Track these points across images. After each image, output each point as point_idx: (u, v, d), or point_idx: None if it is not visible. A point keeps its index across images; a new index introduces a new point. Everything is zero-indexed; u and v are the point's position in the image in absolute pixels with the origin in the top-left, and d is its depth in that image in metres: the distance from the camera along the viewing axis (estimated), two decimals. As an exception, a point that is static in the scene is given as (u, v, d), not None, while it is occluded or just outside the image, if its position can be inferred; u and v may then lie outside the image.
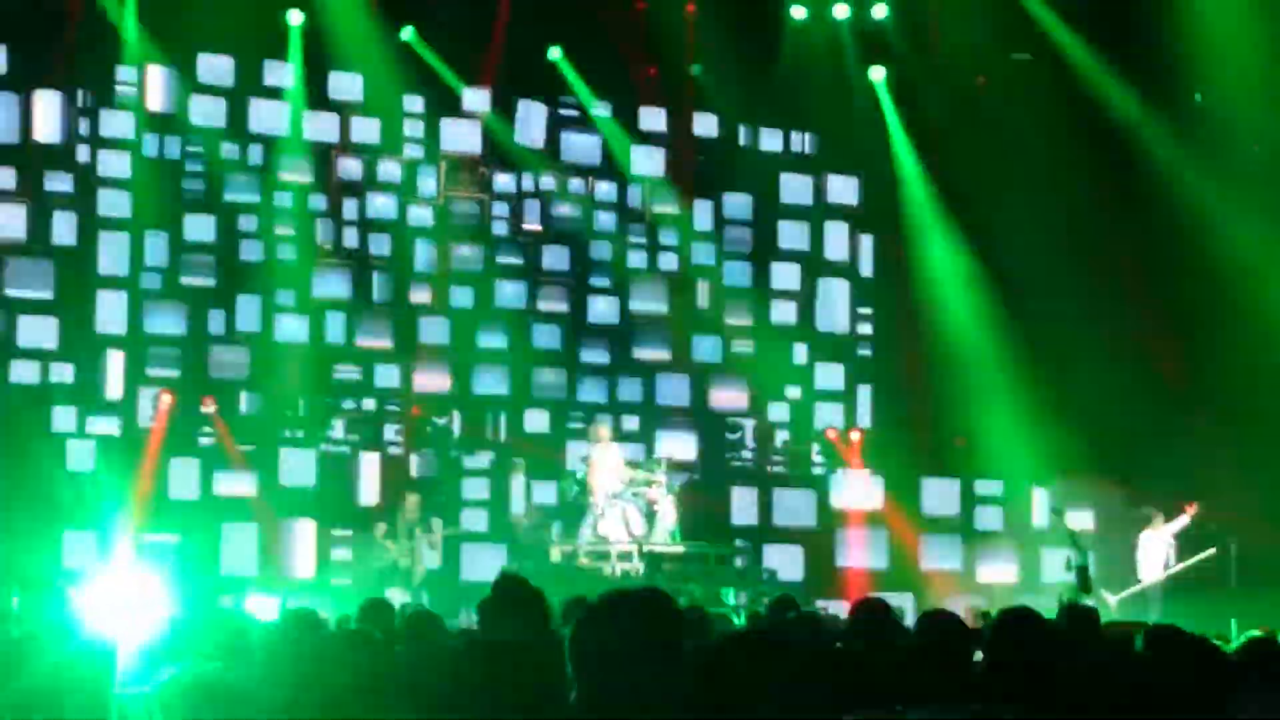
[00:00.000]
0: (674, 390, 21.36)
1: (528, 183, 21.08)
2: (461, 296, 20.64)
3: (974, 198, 21.31)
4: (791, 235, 22.09)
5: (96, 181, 19.20)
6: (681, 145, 21.63)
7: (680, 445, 20.70)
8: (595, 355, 21.15)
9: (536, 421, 20.72)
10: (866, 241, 22.30)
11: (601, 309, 21.26)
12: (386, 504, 18.65)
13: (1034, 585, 20.39)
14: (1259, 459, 18.99)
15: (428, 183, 20.70)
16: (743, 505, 21.14)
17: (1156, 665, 5.00)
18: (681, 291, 21.54)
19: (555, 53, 20.82)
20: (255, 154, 19.89)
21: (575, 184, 21.30)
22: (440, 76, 20.38)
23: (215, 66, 19.66)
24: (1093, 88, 20.69)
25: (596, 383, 21.10)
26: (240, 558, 18.89)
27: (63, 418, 18.77)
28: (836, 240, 22.29)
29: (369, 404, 20.16)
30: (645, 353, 21.33)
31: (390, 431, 20.16)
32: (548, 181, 21.15)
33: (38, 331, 18.77)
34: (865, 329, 22.27)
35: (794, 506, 21.31)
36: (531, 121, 21.04)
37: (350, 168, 20.33)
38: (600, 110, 21.23)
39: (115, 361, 19.12)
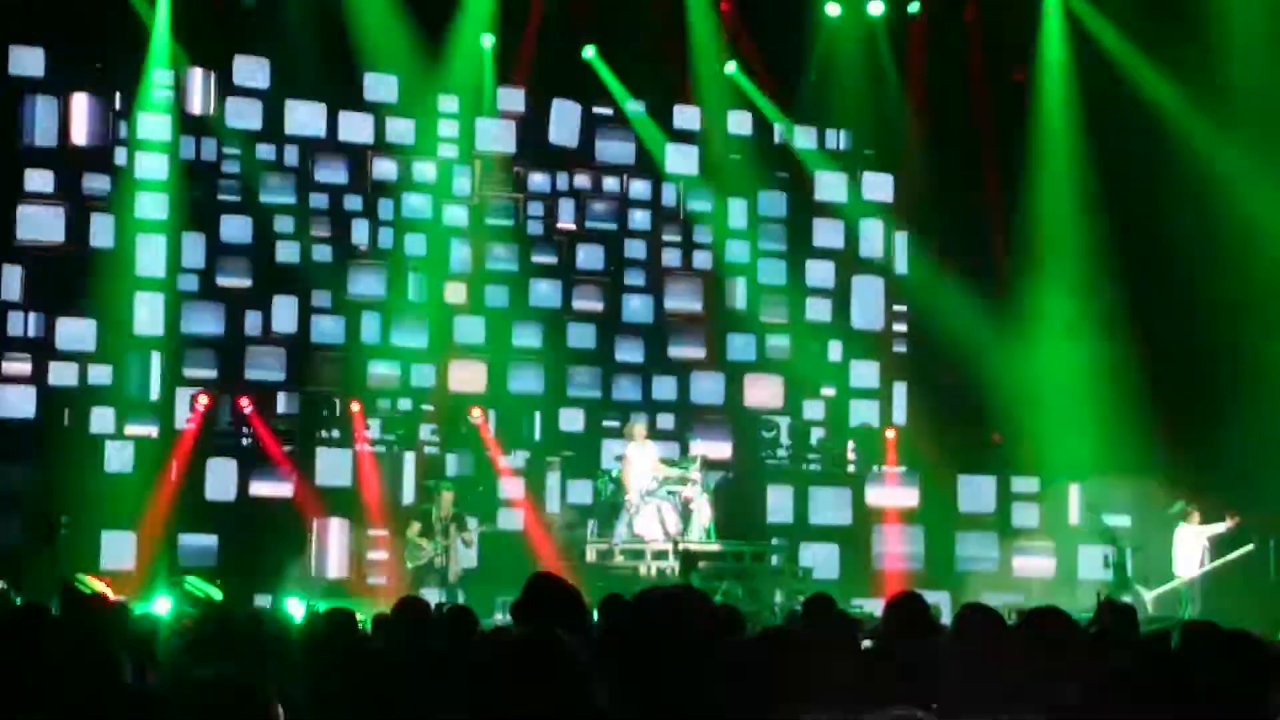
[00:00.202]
0: (709, 388, 21.35)
1: (562, 182, 21.11)
2: (496, 295, 20.67)
3: (1011, 192, 21.29)
4: (826, 233, 22.05)
5: (134, 184, 19.30)
6: (715, 142, 21.62)
7: (715, 443, 20.67)
8: (630, 354, 21.16)
9: (572, 420, 20.74)
10: (901, 239, 22.24)
11: (636, 307, 21.26)
12: (421, 503, 18.66)
13: (1070, 582, 20.31)
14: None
15: (462, 182, 20.74)
16: (778, 503, 21.10)
17: (1194, 660, 4.97)
18: (716, 290, 21.53)
19: (589, 51, 20.83)
20: (291, 155, 19.97)
21: (609, 182, 21.30)
22: (476, 75, 20.41)
23: (250, 68, 19.73)
24: (1130, 80, 20.57)
25: (631, 381, 21.10)
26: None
27: (100, 419, 18.87)
28: (871, 237, 22.24)
29: (405, 404, 20.21)
30: (680, 351, 21.33)
31: (426, 431, 20.20)
32: (582, 180, 21.16)
33: (75, 333, 18.87)
34: (900, 326, 22.21)
35: (829, 504, 21.26)
36: (565, 121, 21.05)
37: (385, 168, 20.38)
38: (634, 108, 21.24)
39: (153, 363, 19.22)
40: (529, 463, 20.43)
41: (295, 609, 11.44)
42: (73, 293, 18.87)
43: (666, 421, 20.82)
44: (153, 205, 19.35)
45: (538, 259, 20.93)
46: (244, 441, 19.43)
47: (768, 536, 19.93)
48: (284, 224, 19.87)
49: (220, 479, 19.17)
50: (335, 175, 20.15)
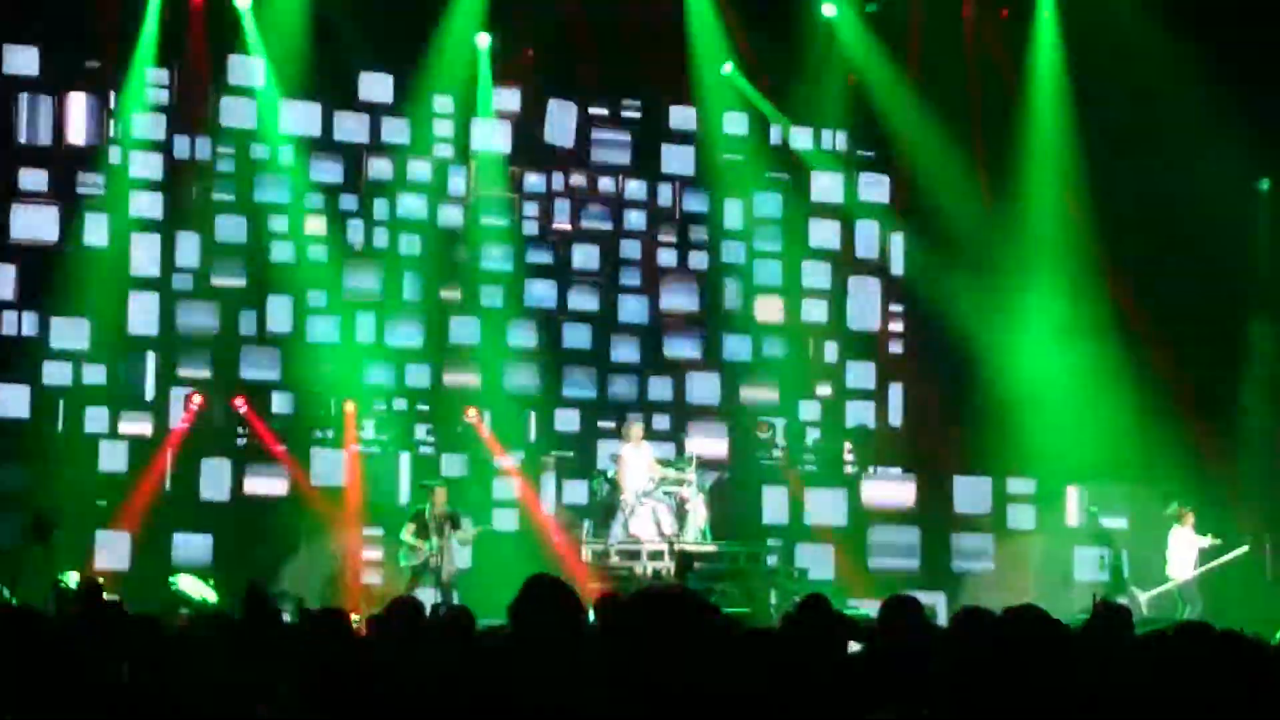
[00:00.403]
0: (704, 389, 21.34)
1: (557, 182, 21.09)
2: (492, 295, 20.66)
3: (1008, 195, 21.30)
4: (822, 233, 22.03)
5: (128, 183, 19.27)
6: (710, 143, 21.61)
7: (710, 444, 20.65)
8: (625, 354, 21.14)
9: (567, 421, 20.73)
10: (897, 239, 22.23)
11: (632, 308, 21.24)
12: (416, 503, 18.64)
13: (1067, 584, 20.30)
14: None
15: (457, 182, 20.73)
16: (774, 504, 21.09)
17: (1187, 661, 4.96)
18: (712, 290, 21.51)
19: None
20: (285, 154, 19.95)
21: (605, 183, 21.29)
22: (471, 75, 20.39)
23: (245, 67, 19.71)
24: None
25: (627, 382, 21.09)
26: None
27: (95, 418, 18.85)
28: (867, 238, 22.22)
29: (400, 404, 20.19)
30: (675, 351, 21.31)
31: (421, 431, 20.18)
32: (577, 180, 21.14)
33: (70, 332, 18.85)
34: (896, 327, 22.19)
35: (825, 505, 21.24)
36: (561, 120, 21.04)
37: (380, 168, 20.36)
38: (630, 109, 21.22)
39: (147, 362, 19.20)
40: (524, 463, 20.41)
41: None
42: (67, 292, 18.85)
43: (662, 422, 20.80)
44: (147, 204, 19.34)
45: (533, 259, 20.92)
46: (239, 441, 19.40)
47: (763, 537, 19.92)
48: (278, 223, 19.84)
49: (214, 478, 19.15)
50: (330, 174, 20.13)
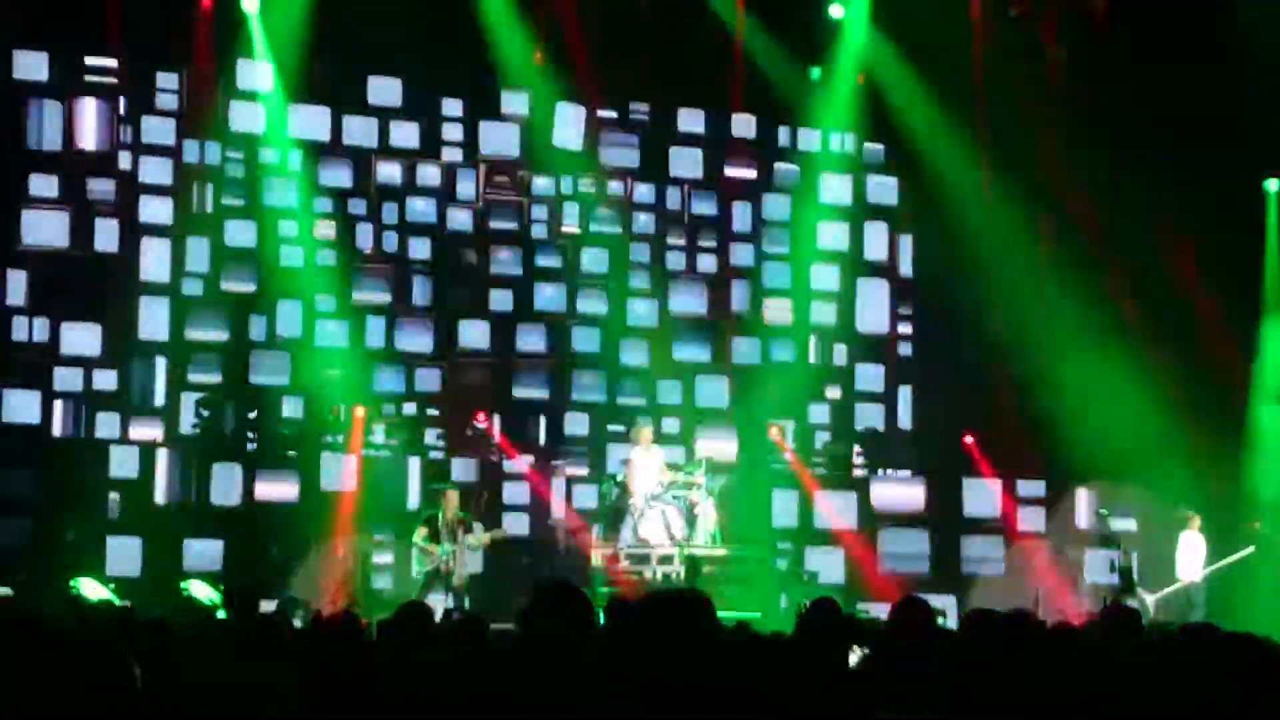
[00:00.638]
0: (714, 392, 21.33)
1: (566, 185, 21.10)
2: (501, 299, 20.68)
3: (1015, 197, 21.28)
4: (831, 236, 22.03)
5: (138, 188, 19.31)
6: (720, 146, 21.62)
7: (720, 447, 20.65)
8: (635, 358, 21.14)
9: (577, 425, 20.74)
10: (906, 242, 22.22)
11: (641, 311, 21.25)
12: (426, 507, 18.65)
13: (1077, 587, 20.28)
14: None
15: (466, 186, 20.75)
16: (783, 507, 21.07)
17: (1195, 663, 4.96)
18: (720, 293, 21.52)
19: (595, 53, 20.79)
20: (294, 159, 19.98)
21: (614, 186, 21.30)
22: (479, 79, 20.40)
23: (254, 72, 19.74)
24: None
25: (636, 385, 21.09)
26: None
27: (105, 424, 18.89)
28: (876, 241, 22.22)
29: (409, 408, 20.21)
30: (685, 354, 21.31)
31: (430, 435, 20.19)
32: (586, 184, 21.16)
33: (80, 338, 18.88)
34: (906, 329, 22.19)
35: (835, 508, 21.23)
36: (570, 124, 21.05)
37: (389, 172, 20.38)
38: (638, 112, 21.23)
39: (157, 368, 19.23)
40: (534, 467, 20.41)
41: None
42: (77, 298, 18.88)
43: (671, 425, 20.79)
44: (157, 209, 19.37)
45: (542, 263, 20.94)
46: (250, 446, 19.42)
47: (774, 541, 19.91)
48: (288, 228, 19.87)
49: (225, 484, 19.17)
50: (339, 179, 20.16)
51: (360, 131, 20.24)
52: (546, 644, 5.76)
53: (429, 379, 20.29)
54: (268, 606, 15.51)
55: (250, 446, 19.40)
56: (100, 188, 19.17)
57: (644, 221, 21.39)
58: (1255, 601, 17.36)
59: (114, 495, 18.73)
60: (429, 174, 20.57)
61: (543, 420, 20.69)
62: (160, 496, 19.00)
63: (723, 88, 21.31)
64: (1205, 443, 19.49)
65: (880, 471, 21.56)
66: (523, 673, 5.39)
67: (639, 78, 20.88)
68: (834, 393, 21.69)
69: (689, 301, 21.42)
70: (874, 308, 22.12)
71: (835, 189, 22.02)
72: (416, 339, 20.31)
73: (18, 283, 18.77)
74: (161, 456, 19.06)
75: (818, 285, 21.87)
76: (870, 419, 21.75)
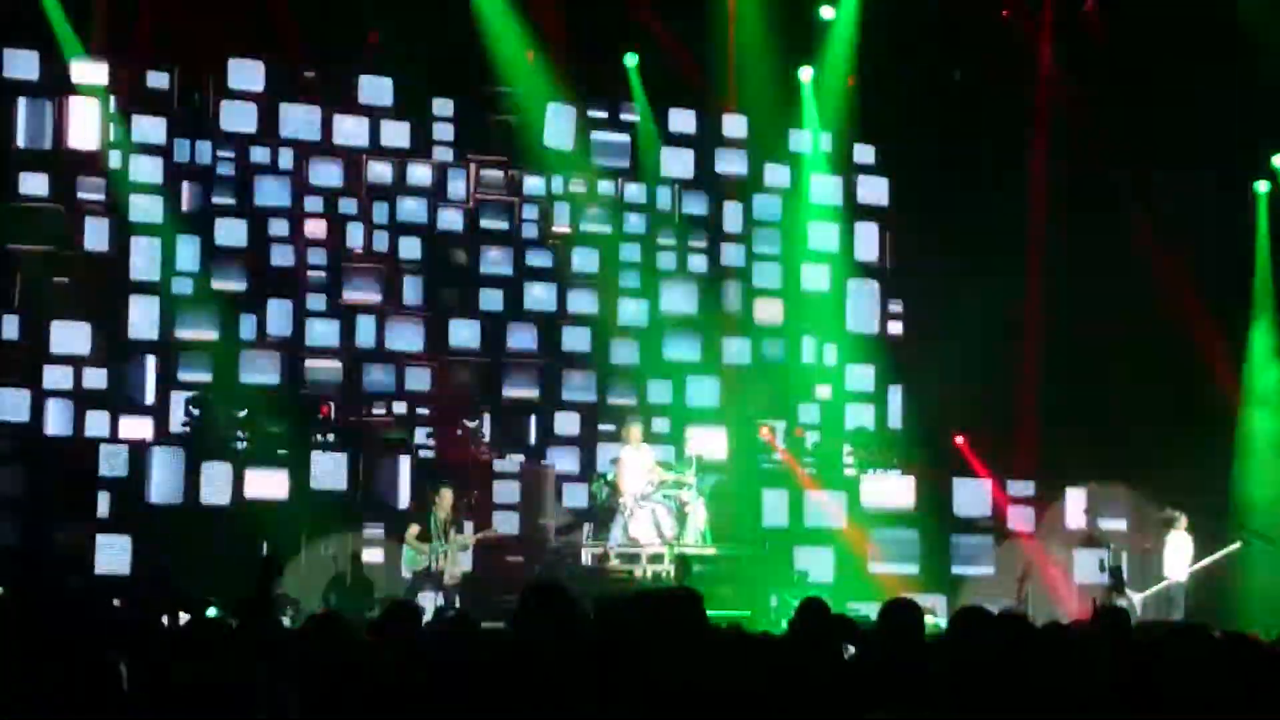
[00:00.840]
0: (704, 391, 21.34)
1: (557, 185, 21.11)
2: (491, 299, 20.68)
3: (1006, 199, 21.32)
4: (821, 236, 22.05)
5: (128, 187, 19.28)
6: (711, 146, 21.64)
7: (710, 446, 20.64)
8: (625, 357, 21.15)
9: (567, 424, 20.74)
10: (896, 242, 22.22)
11: (631, 311, 21.25)
12: (417, 507, 18.64)
13: (1067, 586, 20.29)
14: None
15: (457, 186, 20.75)
16: (773, 507, 21.06)
17: (1186, 662, 4.97)
18: (711, 293, 21.53)
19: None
20: (285, 158, 19.96)
21: (604, 186, 21.30)
22: (470, 78, 20.40)
23: (245, 71, 19.72)
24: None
25: (626, 384, 21.10)
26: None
27: (95, 423, 18.85)
28: (867, 241, 22.24)
29: (400, 407, 20.20)
30: (675, 354, 21.32)
31: (421, 435, 20.19)
32: (577, 184, 21.16)
33: (70, 337, 18.85)
34: (895, 329, 22.21)
35: (825, 508, 21.22)
36: (561, 123, 21.05)
37: (380, 171, 20.37)
38: (629, 112, 21.23)
39: (147, 367, 19.20)
40: (524, 466, 20.40)
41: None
42: (67, 296, 18.85)
43: (662, 425, 20.79)
44: (147, 208, 19.34)
45: (532, 262, 20.94)
46: (240, 445, 19.39)
47: (763, 540, 19.89)
48: (278, 227, 19.87)
49: (215, 482, 19.12)
50: (330, 178, 20.15)
51: (351, 131, 20.22)
52: (536, 643, 5.76)
53: (419, 378, 20.29)
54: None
55: (240, 445, 19.36)
56: (90, 186, 19.13)
57: (635, 221, 21.40)
58: (1243, 601, 17.37)
59: (104, 494, 18.68)
60: (420, 173, 20.56)
61: (533, 419, 20.69)
62: (150, 495, 18.95)
63: (714, 88, 21.31)
64: (1195, 445, 19.50)
65: (870, 471, 21.54)
66: (513, 671, 5.39)
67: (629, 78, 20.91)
68: (824, 392, 21.70)
69: (680, 301, 21.43)
70: (864, 308, 22.14)
71: (825, 189, 22.04)
72: (407, 338, 20.30)
73: (8, 281, 18.73)
74: (152, 455, 19.02)
75: (808, 285, 21.89)
76: (860, 418, 21.76)
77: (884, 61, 21.34)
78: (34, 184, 18.88)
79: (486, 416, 20.40)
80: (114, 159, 19.24)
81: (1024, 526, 21.71)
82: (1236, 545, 18.06)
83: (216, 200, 19.64)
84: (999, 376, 20.97)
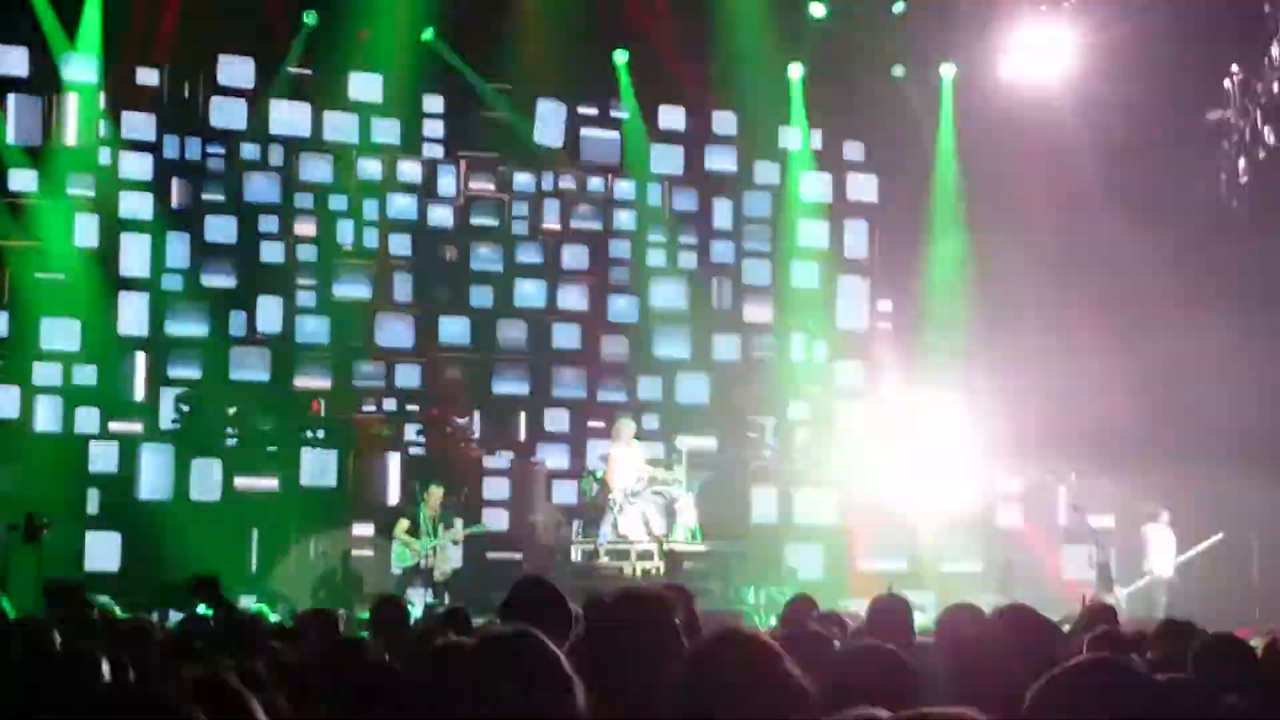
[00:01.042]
0: (694, 389, 21.37)
1: (547, 182, 21.12)
2: (481, 295, 20.69)
3: (993, 196, 21.34)
4: (810, 233, 22.08)
5: (118, 183, 19.27)
6: (700, 143, 21.65)
7: (700, 443, 20.66)
8: (615, 354, 21.16)
9: (557, 421, 20.76)
10: (885, 239, 22.26)
11: (621, 308, 21.27)
12: (407, 503, 18.66)
13: (1056, 583, 20.32)
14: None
15: (447, 182, 20.75)
16: (762, 504, 21.10)
17: (1173, 660, 4.99)
18: (701, 290, 21.55)
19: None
20: (275, 155, 19.95)
21: (594, 183, 21.32)
22: (460, 76, 20.40)
23: (235, 68, 19.71)
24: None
25: (616, 381, 21.11)
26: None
27: (85, 419, 18.85)
28: (855, 238, 22.27)
29: (390, 403, 20.21)
30: (665, 351, 21.34)
31: (411, 431, 20.20)
32: (567, 181, 21.17)
33: (61, 333, 18.84)
34: (885, 326, 22.24)
35: (814, 505, 21.26)
36: (550, 120, 21.06)
37: (370, 168, 20.37)
38: (619, 109, 21.24)
39: (137, 363, 19.20)
40: (514, 463, 20.42)
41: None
42: (56, 292, 18.83)
43: (651, 422, 20.81)
44: (137, 205, 19.33)
45: (523, 259, 20.95)
46: (229, 441, 19.40)
47: (752, 537, 19.93)
48: (268, 224, 19.86)
49: (205, 478, 19.14)
50: (320, 175, 20.14)
51: (341, 127, 20.21)
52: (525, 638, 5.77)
53: (409, 375, 20.29)
54: (246, 602, 15.58)
55: (230, 442, 19.37)
56: (80, 183, 19.10)
57: (624, 218, 21.41)
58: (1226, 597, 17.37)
59: (94, 490, 18.69)
60: (410, 170, 20.56)
61: (523, 416, 20.70)
62: (140, 492, 18.96)
63: (704, 85, 21.33)
64: (1185, 440, 19.52)
65: (859, 468, 21.57)
66: (503, 665, 5.38)
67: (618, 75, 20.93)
68: (814, 389, 21.73)
69: (669, 298, 21.44)
70: (853, 305, 22.17)
71: (815, 186, 22.07)
72: (397, 335, 20.30)
73: (-3, 277, 18.77)
74: (141, 452, 19.03)
75: (798, 282, 21.91)
76: (849, 415, 21.78)
77: (874, 57, 21.35)
78: (23, 180, 18.86)
79: (476, 413, 20.42)
80: (103, 155, 19.22)
81: (1013, 522, 21.78)
82: (1220, 535, 18.02)
83: (206, 197, 19.63)
84: (988, 372, 21.00)
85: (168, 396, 19.18)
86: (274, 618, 12.35)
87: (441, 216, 20.71)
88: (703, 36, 20.91)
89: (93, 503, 18.63)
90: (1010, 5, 20.88)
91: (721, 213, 21.77)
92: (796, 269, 21.93)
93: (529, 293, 20.91)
